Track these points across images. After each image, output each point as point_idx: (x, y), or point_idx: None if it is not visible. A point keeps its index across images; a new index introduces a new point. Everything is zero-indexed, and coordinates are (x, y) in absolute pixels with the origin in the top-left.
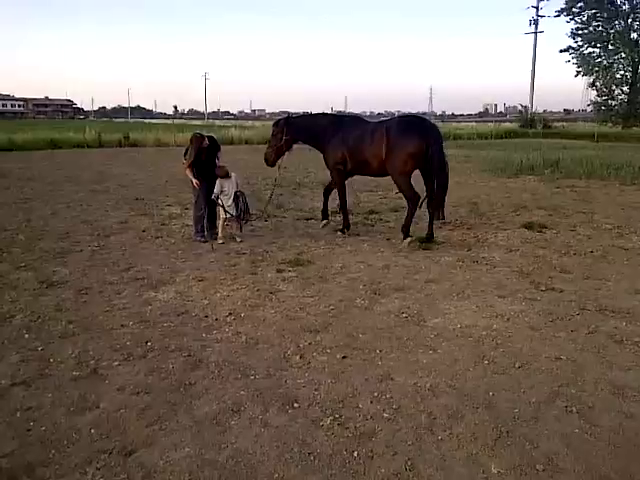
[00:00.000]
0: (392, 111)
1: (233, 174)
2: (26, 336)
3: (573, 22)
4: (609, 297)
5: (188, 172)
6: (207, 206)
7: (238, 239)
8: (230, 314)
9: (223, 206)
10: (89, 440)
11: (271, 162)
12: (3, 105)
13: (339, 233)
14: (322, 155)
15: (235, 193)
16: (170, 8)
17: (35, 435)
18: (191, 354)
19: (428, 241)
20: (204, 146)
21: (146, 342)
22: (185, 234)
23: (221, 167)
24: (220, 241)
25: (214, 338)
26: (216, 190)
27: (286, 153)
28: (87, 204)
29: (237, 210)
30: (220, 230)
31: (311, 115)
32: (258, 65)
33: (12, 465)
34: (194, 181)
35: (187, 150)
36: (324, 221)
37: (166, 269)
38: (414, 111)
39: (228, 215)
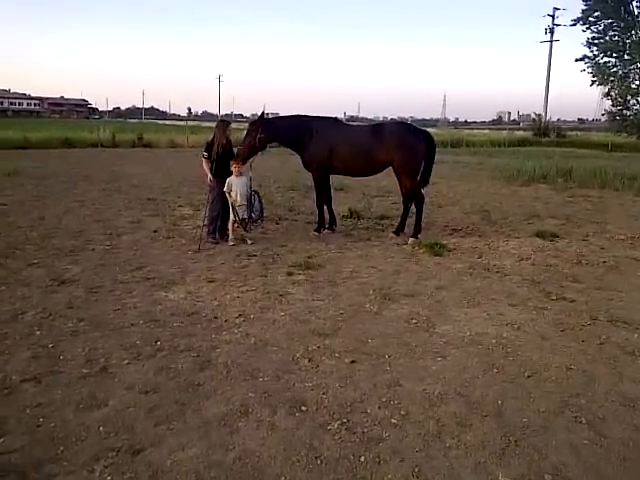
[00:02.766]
0: (405, 117)
1: (246, 175)
2: (37, 333)
3: (589, 31)
4: (621, 308)
5: (206, 168)
6: (222, 207)
7: (249, 241)
8: (240, 316)
9: (233, 207)
10: (97, 438)
11: (243, 160)
12: (19, 104)
13: (314, 233)
14: (300, 155)
15: (250, 193)
16: (186, 10)
17: (44, 431)
18: (200, 354)
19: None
20: (229, 134)
21: (156, 341)
22: (196, 235)
23: (236, 162)
24: (231, 243)
25: (223, 339)
26: (225, 189)
27: (259, 153)
28: (100, 203)
29: (250, 210)
30: (231, 232)
31: (288, 116)
32: (272, 69)
33: (21, 460)
34: (209, 177)
35: (207, 145)
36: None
37: (177, 269)
38: (427, 117)
39: (237, 217)
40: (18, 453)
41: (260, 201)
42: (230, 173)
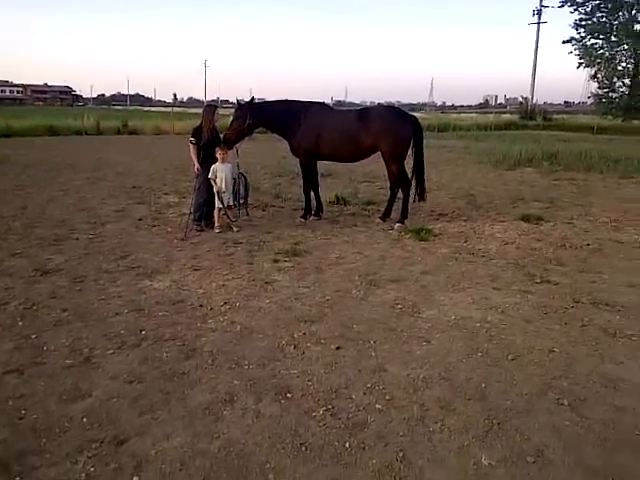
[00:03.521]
0: (392, 101)
1: (232, 161)
2: (20, 323)
3: (577, 13)
4: (603, 290)
5: (193, 155)
6: (208, 194)
7: (235, 229)
8: (225, 303)
9: (219, 194)
10: (81, 429)
11: (230, 144)
12: (2, 91)
13: (300, 219)
14: (288, 141)
15: (234, 178)
16: None
17: (27, 423)
18: (185, 343)
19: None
20: (217, 118)
21: (140, 331)
22: (182, 223)
23: (223, 148)
24: (217, 230)
25: (209, 327)
26: (210, 175)
27: (246, 138)
28: (84, 192)
29: (235, 195)
30: (217, 219)
31: (276, 101)
32: (258, 54)
33: (3, 453)
34: (196, 166)
35: (195, 131)
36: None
37: (162, 258)
38: (414, 102)
39: (222, 204)
40: (0, 445)
41: (246, 185)
42: (216, 160)
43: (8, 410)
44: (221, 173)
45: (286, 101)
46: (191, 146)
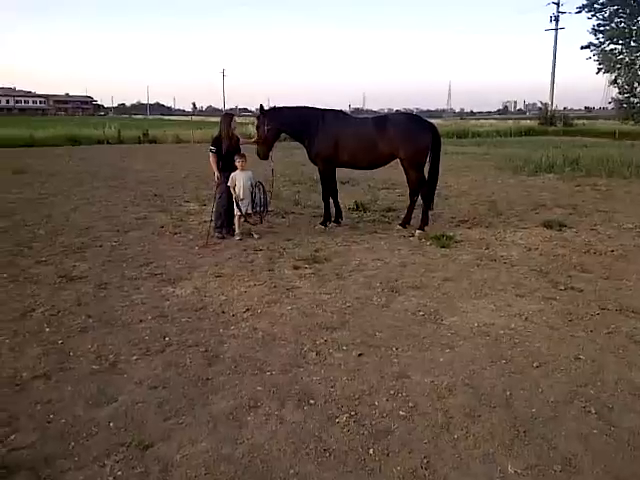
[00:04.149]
0: (411, 108)
1: (250, 171)
2: (46, 330)
3: (595, 18)
4: (629, 297)
5: (213, 163)
6: (228, 202)
7: (256, 236)
8: (247, 310)
9: (236, 202)
10: (107, 433)
11: (263, 155)
12: (25, 102)
13: (320, 226)
14: (306, 148)
15: (252, 185)
16: (188, 5)
17: (55, 427)
18: (208, 349)
19: (422, 229)
20: (234, 126)
21: (164, 337)
22: (203, 230)
23: (241, 157)
24: (237, 237)
25: (231, 334)
26: (229, 183)
27: (275, 144)
28: (106, 200)
29: (254, 203)
30: (237, 226)
31: (295, 107)
32: (276, 62)
33: (33, 456)
34: (216, 174)
35: (214, 140)
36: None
37: (184, 265)
38: (433, 108)
39: (240, 212)
40: (29, 449)
41: (264, 193)
42: (236, 168)
43: (36, 414)
44: (239, 182)
45: (304, 107)
46: (211, 155)
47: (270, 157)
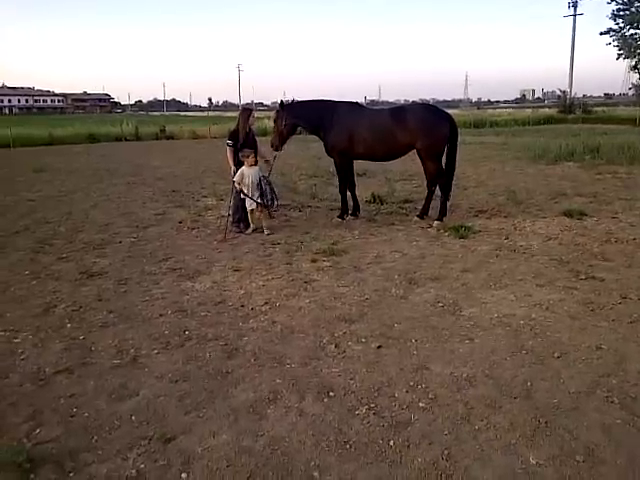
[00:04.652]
0: (427, 98)
1: (257, 167)
2: (68, 325)
3: (614, 3)
4: None
5: (229, 157)
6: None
7: (266, 231)
8: (266, 303)
9: (247, 195)
10: (130, 426)
11: (276, 146)
12: (43, 101)
13: (337, 219)
14: (323, 141)
15: (259, 179)
16: (203, 0)
17: (78, 421)
18: (228, 343)
19: (440, 220)
20: (252, 121)
21: (184, 331)
22: (221, 225)
23: (246, 153)
24: (249, 231)
25: (250, 327)
26: (236, 178)
27: (290, 138)
28: (125, 196)
29: (262, 197)
30: (250, 221)
31: (311, 100)
32: (292, 55)
33: (57, 450)
34: (232, 168)
35: (231, 134)
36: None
37: (202, 259)
38: (449, 98)
39: (253, 205)
40: (54, 443)
41: (271, 187)
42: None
43: (60, 409)
44: (247, 178)
45: (320, 101)
46: (227, 149)
47: (282, 149)
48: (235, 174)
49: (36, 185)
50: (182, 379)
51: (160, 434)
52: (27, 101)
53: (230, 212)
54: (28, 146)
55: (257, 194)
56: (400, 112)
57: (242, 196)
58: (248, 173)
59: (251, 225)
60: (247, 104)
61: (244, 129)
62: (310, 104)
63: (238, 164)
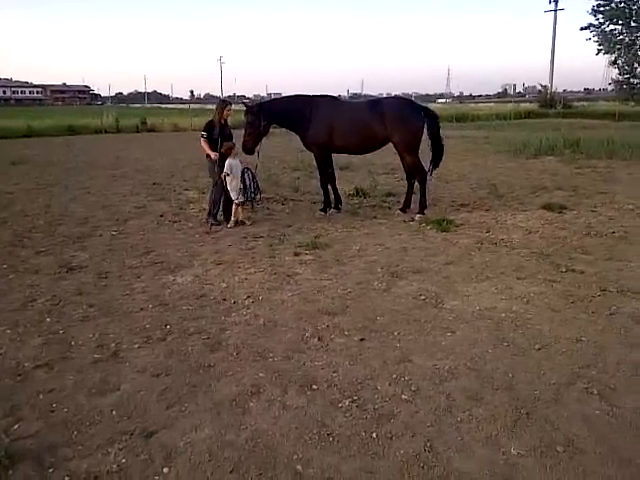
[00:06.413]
0: (409, 92)
1: (238, 158)
2: (47, 320)
3: None
4: (631, 278)
5: (205, 146)
6: (224, 190)
7: (248, 222)
8: (248, 297)
9: (233, 190)
10: (111, 421)
11: (250, 149)
12: (22, 92)
13: (320, 212)
14: (300, 136)
15: (242, 171)
16: None
17: (58, 416)
18: (210, 337)
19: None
20: (228, 113)
21: (165, 325)
22: (202, 218)
23: (229, 144)
24: (231, 224)
25: (232, 321)
26: (226, 169)
27: (263, 139)
28: (106, 189)
29: (245, 188)
30: (233, 214)
31: (285, 98)
32: (273, 48)
33: (37, 445)
34: (212, 154)
35: (207, 125)
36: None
37: (184, 253)
38: (431, 93)
39: (241, 198)
40: (33, 438)
41: (254, 178)
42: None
43: (39, 404)
44: (234, 168)
45: (295, 96)
46: (202, 140)
47: (257, 153)
48: (217, 161)
49: (14, 178)
50: (164, 373)
51: (141, 429)
52: (5, 92)
53: (208, 206)
54: (6, 138)
55: (240, 186)
56: (376, 105)
57: (226, 188)
58: (234, 164)
59: (232, 218)
60: (226, 97)
61: (219, 121)
62: (286, 101)
63: (221, 158)
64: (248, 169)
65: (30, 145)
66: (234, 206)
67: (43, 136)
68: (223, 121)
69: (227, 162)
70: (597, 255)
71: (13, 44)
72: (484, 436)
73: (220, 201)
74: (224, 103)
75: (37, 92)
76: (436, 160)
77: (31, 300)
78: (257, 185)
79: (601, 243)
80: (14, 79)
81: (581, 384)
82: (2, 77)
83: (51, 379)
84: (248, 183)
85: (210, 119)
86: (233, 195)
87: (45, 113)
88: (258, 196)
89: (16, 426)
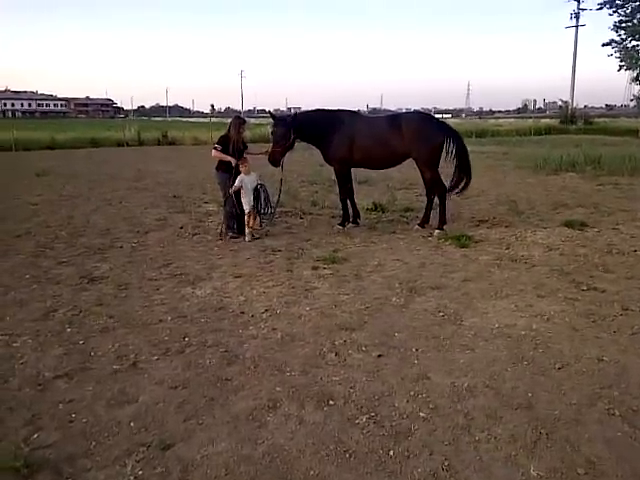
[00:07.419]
0: (429, 107)
1: (254, 174)
2: (68, 330)
3: (616, 15)
4: None
5: (220, 154)
6: (238, 203)
7: (247, 237)
8: (266, 310)
9: (238, 199)
10: (128, 433)
11: (277, 161)
12: (46, 105)
13: (338, 227)
14: (321, 150)
15: (256, 187)
16: (207, 6)
17: (77, 427)
18: (228, 350)
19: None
20: (243, 130)
21: (184, 337)
22: (219, 229)
23: (245, 160)
24: (248, 239)
25: (250, 334)
26: (237, 184)
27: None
28: (127, 201)
29: (258, 204)
30: (246, 226)
31: (310, 112)
32: (295, 63)
33: (55, 455)
34: (232, 160)
35: (221, 139)
36: (350, 224)
37: (203, 265)
38: (451, 107)
39: (247, 209)
40: (52, 448)
41: (267, 194)
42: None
43: (59, 414)
44: (247, 184)
45: (320, 111)
46: (214, 151)
47: (281, 165)
48: (230, 177)
49: (38, 189)
50: (181, 385)
51: (159, 441)
52: (30, 105)
53: (223, 219)
54: (30, 150)
55: (251, 197)
56: (395, 120)
57: (234, 199)
58: (247, 180)
59: (246, 229)
60: (246, 113)
61: (235, 139)
62: (313, 115)
63: (225, 171)
64: (262, 185)
65: (54, 157)
66: (245, 216)
67: (66, 148)
68: (238, 138)
69: (239, 177)
70: (619, 273)
71: (39, 58)
72: (503, 456)
73: (234, 214)
74: (239, 119)
75: (61, 105)
76: (461, 179)
77: (52, 310)
78: (269, 201)
79: (623, 261)
80: (39, 92)
81: (602, 405)
82: (28, 90)
83: (71, 389)
84: (261, 198)
85: (224, 133)
86: (246, 208)
87: (69, 126)
88: (270, 211)
89: (35, 435)
